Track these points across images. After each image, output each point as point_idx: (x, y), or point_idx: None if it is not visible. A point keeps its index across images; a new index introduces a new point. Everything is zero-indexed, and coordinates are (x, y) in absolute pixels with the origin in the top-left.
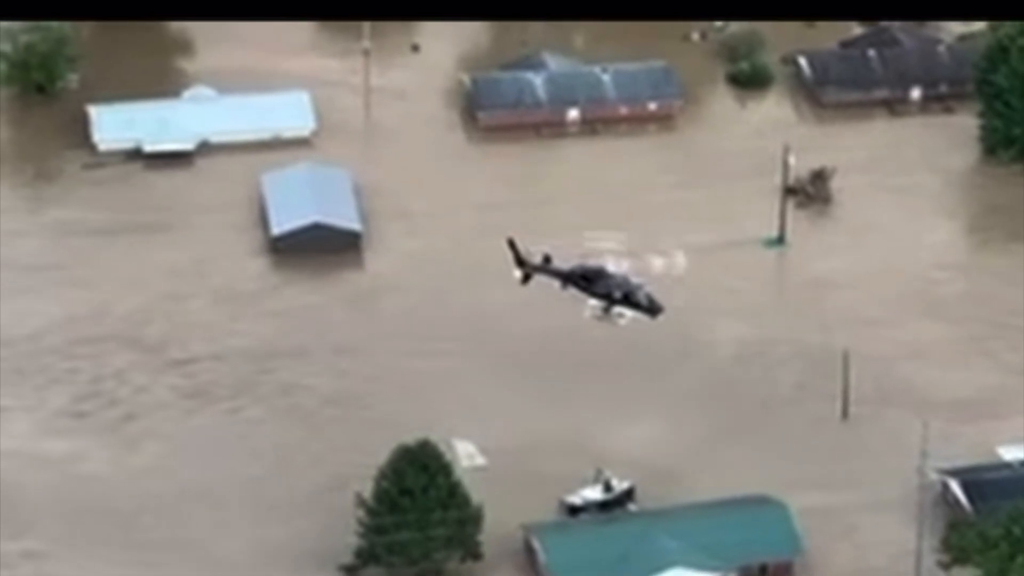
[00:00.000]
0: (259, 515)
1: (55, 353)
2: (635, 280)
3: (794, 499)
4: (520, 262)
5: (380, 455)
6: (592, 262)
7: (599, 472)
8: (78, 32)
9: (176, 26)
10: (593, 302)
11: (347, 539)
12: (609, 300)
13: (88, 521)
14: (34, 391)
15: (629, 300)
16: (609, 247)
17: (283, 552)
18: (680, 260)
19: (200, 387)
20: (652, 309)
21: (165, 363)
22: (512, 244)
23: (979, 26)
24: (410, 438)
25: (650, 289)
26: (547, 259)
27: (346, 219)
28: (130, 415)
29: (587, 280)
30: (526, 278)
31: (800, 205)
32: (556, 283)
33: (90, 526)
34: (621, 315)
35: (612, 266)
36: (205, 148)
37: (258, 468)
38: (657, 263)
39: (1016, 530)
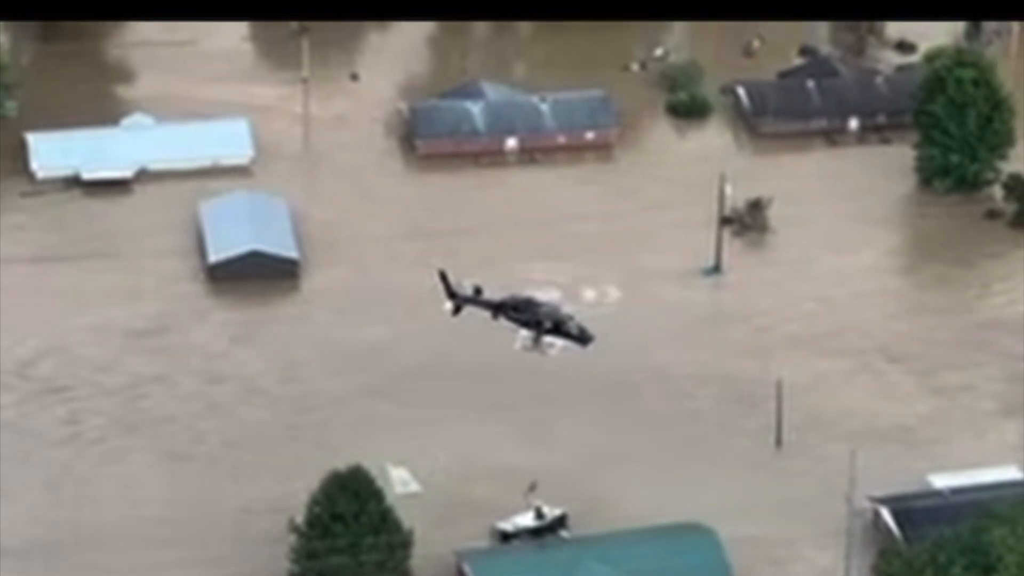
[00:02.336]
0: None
1: None
2: (565, 310)
3: (726, 527)
4: (451, 294)
5: (303, 484)
6: (522, 292)
7: (531, 487)
8: (17, 60)
9: (115, 53)
10: (524, 332)
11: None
12: (539, 330)
13: None
14: None
15: (559, 330)
16: (549, 279)
17: None
18: (611, 291)
19: (90, 422)
20: (583, 339)
21: (53, 395)
22: (443, 276)
23: (916, 58)
24: (341, 465)
25: (582, 319)
26: (478, 290)
27: (283, 247)
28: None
29: (518, 310)
30: (457, 310)
31: (737, 234)
32: (487, 314)
33: None
34: (551, 345)
35: (542, 296)
36: (143, 176)
37: (160, 505)
38: (588, 294)
39: (942, 556)
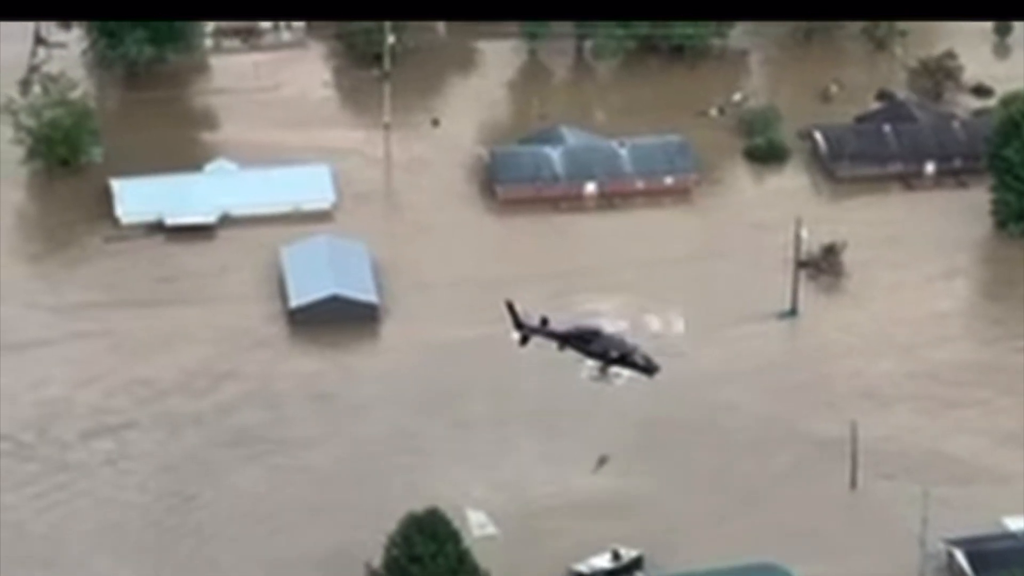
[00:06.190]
0: None
1: None
2: (631, 341)
3: (801, 568)
4: (518, 324)
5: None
6: (588, 323)
7: (602, 460)
8: (102, 107)
9: (198, 100)
10: (590, 362)
11: None
12: (606, 360)
13: None
14: None
15: (626, 360)
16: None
17: None
18: (677, 320)
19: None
20: (648, 369)
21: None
22: (511, 307)
23: (993, 102)
24: (419, 507)
25: (653, 355)
26: (544, 321)
27: (363, 291)
28: None
29: (584, 341)
30: (524, 340)
31: (812, 278)
32: (554, 345)
33: None
34: (618, 375)
35: (608, 327)
36: (226, 221)
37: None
38: (654, 324)
39: None
